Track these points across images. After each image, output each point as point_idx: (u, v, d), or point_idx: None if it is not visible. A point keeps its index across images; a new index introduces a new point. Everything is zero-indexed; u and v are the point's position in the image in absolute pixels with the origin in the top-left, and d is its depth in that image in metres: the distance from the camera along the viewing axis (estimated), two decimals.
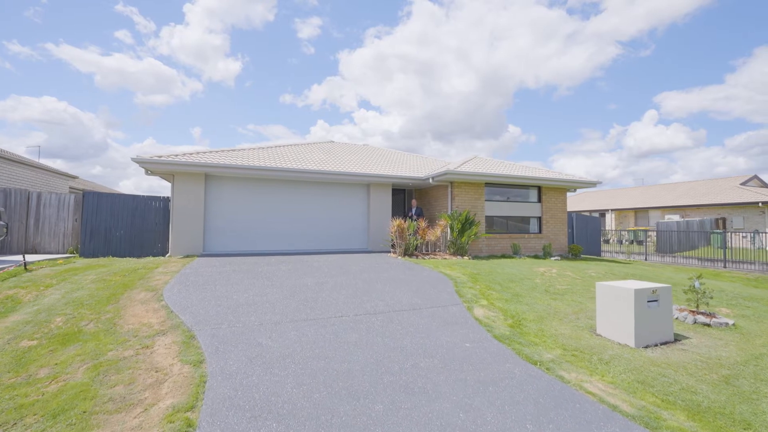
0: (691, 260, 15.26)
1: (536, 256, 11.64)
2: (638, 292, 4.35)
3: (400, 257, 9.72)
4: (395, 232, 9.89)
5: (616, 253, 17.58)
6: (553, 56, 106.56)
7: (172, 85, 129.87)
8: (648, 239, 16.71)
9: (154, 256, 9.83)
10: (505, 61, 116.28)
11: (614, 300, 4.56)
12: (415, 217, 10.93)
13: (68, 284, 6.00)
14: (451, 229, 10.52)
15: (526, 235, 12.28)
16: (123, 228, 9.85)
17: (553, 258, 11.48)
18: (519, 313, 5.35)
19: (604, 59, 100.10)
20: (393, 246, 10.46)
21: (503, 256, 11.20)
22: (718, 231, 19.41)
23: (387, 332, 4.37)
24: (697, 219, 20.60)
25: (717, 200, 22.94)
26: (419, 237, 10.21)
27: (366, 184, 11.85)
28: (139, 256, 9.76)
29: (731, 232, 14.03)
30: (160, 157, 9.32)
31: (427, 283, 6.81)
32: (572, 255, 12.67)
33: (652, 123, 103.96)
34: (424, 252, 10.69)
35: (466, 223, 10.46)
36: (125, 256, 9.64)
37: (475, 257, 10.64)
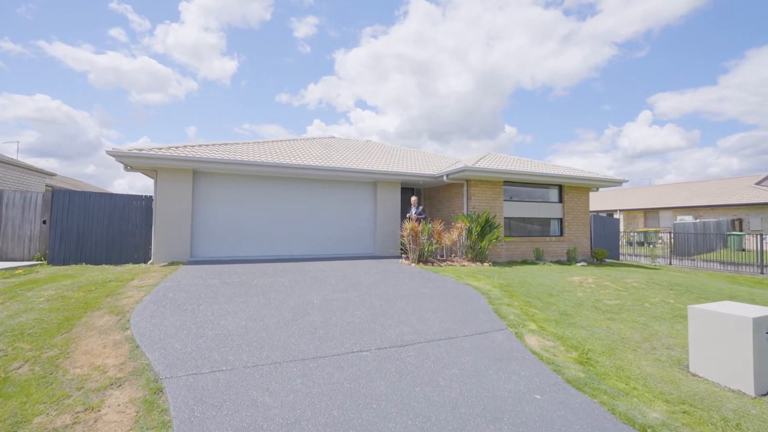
0: (712, 264, 14.28)
1: (560, 262, 10.59)
2: (757, 322, 3.29)
3: (414, 264, 8.62)
4: (408, 235, 8.78)
5: (634, 256, 16.60)
6: (550, 57, 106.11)
7: (167, 83, 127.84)
8: (660, 241, 15.74)
9: (134, 262, 8.65)
10: (502, 61, 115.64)
11: (719, 330, 3.49)
12: (415, 217, 9.65)
13: (16, 303, 4.84)
14: (469, 232, 9.43)
15: (548, 239, 11.23)
16: (99, 231, 8.65)
17: (578, 264, 10.43)
18: (581, 342, 4.28)
19: (600, 60, 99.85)
20: (404, 251, 9.33)
21: (524, 262, 10.14)
22: (736, 233, 18.54)
23: (424, 377, 3.27)
24: (713, 220, 19.70)
25: (732, 200, 22.07)
26: (434, 241, 9.10)
27: (372, 182, 10.73)
28: (117, 262, 8.58)
29: (758, 234, 13.07)
30: (141, 150, 8.13)
31: (455, 298, 5.72)
32: (597, 260, 11.65)
33: (646, 124, 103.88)
34: (439, 258, 9.59)
35: (486, 226, 9.37)
36: (101, 263, 8.47)
37: (495, 263, 9.57)
